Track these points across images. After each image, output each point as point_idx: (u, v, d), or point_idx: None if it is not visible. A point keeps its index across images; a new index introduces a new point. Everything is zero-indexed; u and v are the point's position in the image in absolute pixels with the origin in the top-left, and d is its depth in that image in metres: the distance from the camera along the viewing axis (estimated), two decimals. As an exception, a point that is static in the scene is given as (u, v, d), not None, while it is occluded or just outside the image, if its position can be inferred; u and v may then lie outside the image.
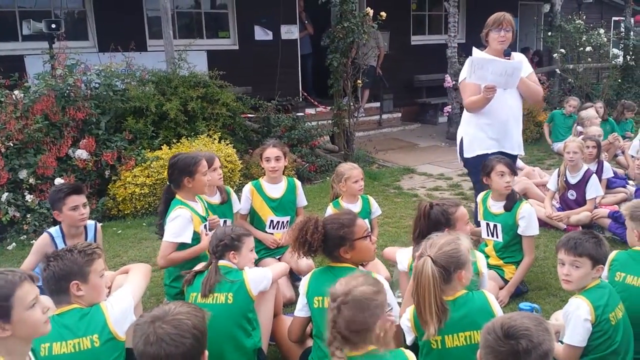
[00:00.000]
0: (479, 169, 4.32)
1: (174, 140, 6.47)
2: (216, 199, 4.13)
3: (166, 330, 1.81)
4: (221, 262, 2.98)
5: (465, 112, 4.56)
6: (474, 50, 4.28)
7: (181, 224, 3.43)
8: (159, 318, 1.84)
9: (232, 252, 3.01)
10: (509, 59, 4.23)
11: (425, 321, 2.39)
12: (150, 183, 5.93)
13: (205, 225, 3.62)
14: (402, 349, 2.31)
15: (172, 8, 8.28)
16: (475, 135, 4.42)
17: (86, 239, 3.60)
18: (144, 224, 5.75)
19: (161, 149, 6.32)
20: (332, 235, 2.82)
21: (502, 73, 4.08)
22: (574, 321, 2.72)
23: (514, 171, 3.99)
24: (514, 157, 4.48)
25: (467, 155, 4.47)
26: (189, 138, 6.51)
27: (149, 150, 6.28)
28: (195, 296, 2.92)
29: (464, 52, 9.14)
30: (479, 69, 4.11)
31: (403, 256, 3.41)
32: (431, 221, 3.18)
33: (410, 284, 2.56)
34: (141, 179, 5.92)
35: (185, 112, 6.71)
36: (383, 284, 2.27)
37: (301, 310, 2.92)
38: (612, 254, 3.28)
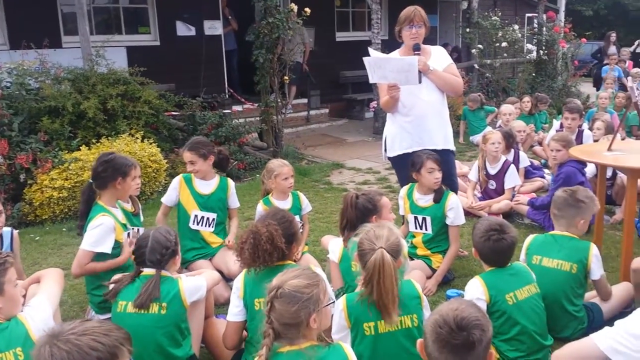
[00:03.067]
0: (401, 167, 4.38)
1: (94, 141, 6.20)
2: (128, 207, 3.82)
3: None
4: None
5: None
6: (370, 50, 4.22)
7: (102, 232, 3.27)
8: (55, 336, 1.69)
9: (176, 257, 2.89)
10: (419, 54, 4.11)
11: (389, 312, 2.46)
12: (69, 186, 5.65)
13: (128, 234, 3.48)
14: (340, 343, 2.27)
15: (88, 3, 7.94)
16: (396, 134, 4.36)
17: (1, 248, 3.36)
18: (64, 229, 5.48)
19: (80, 149, 6.04)
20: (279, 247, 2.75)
21: (400, 70, 3.98)
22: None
23: (441, 167, 4.07)
24: (443, 153, 4.25)
25: (389, 154, 4.46)
26: (109, 138, 6.27)
27: (67, 151, 5.98)
28: (125, 305, 2.74)
29: (387, 48, 9.27)
30: (377, 69, 4.05)
31: (335, 246, 3.42)
32: (359, 210, 3.27)
33: (360, 278, 2.57)
34: (59, 182, 5.62)
35: (105, 111, 6.46)
36: (321, 278, 2.25)
37: (237, 314, 2.78)
38: (529, 238, 3.44)
